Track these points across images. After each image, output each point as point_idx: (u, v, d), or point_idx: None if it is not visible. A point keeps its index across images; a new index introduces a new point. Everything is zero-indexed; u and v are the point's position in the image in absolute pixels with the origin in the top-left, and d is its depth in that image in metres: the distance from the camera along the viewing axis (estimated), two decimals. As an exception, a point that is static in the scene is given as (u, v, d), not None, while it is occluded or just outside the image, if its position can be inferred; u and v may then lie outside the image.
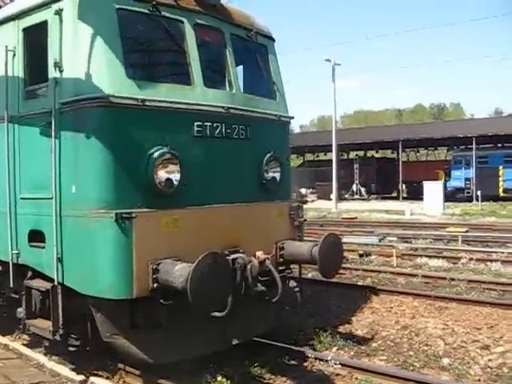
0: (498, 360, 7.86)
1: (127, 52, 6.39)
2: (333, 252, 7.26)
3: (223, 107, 7.05)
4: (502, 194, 49.34)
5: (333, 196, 44.58)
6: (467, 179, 50.96)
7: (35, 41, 6.89)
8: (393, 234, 22.43)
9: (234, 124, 7.18)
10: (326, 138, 50.33)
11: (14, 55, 7.08)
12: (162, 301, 5.97)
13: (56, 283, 6.43)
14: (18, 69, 7.09)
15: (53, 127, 6.38)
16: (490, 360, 7.88)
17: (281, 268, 7.56)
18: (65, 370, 6.62)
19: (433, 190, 36.82)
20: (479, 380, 7.28)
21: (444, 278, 13.26)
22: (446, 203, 38.87)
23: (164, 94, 6.49)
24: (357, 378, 7.18)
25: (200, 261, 5.48)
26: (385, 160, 64.62)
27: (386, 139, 54.37)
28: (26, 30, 7.01)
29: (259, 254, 6.82)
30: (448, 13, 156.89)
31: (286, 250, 7.52)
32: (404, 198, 51.56)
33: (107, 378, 7.06)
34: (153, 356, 6.42)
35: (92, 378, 6.37)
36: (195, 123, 6.70)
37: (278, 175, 7.89)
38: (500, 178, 49.84)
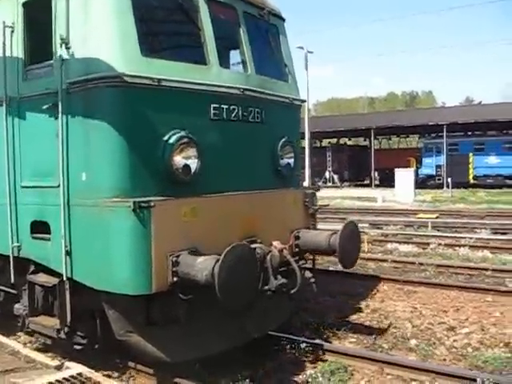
0: (463, 341, 8.15)
1: (141, 28, 5.86)
2: (352, 241, 7.08)
3: (239, 89, 6.66)
4: (471, 181, 50.22)
5: (305, 183, 44.88)
6: (438, 166, 51.72)
7: (37, 16, 6.36)
8: (364, 221, 22.72)
9: (250, 107, 6.82)
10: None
11: (13, 32, 6.54)
12: (181, 295, 5.62)
13: (65, 278, 5.95)
14: (17, 47, 6.54)
15: (59, 109, 5.87)
16: (455, 341, 8.17)
17: (296, 258, 7.13)
18: (39, 356, 6.55)
19: (404, 177, 37.30)
20: (444, 360, 7.53)
21: (413, 263, 13.63)
22: (418, 190, 39.42)
23: (180, 73, 6.03)
24: (327, 360, 7.37)
25: (228, 253, 5.19)
26: (357, 147, 65.20)
27: (358, 127, 54.73)
28: (26, 4, 6.46)
29: (276, 243, 6.54)
30: (420, 1, 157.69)
31: (302, 239, 7.23)
32: (376, 185, 52.04)
33: (117, 377, 6.80)
34: (170, 354, 6.01)
35: (67, 363, 6.20)
36: (212, 105, 6.32)
37: (292, 161, 7.62)
38: (470, 166, 50.68)
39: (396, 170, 39.26)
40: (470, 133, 56.31)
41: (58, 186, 5.93)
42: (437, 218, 24.10)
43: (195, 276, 5.30)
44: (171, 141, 5.79)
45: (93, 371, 6.01)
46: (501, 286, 11.39)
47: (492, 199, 36.34)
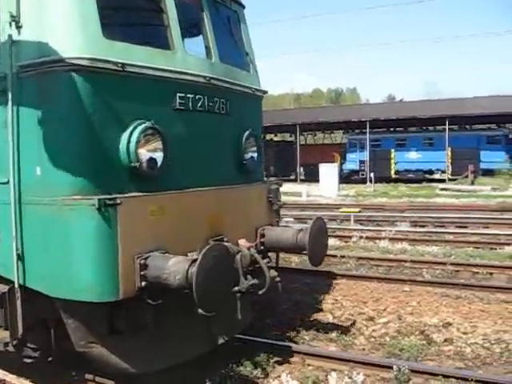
0: (381, 330, 8.43)
1: (103, 7, 5.30)
2: (321, 238, 6.88)
3: (205, 77, 6.20)
4: (393, 176, 51.81)
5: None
6: (361, 162, 52.99)
7: None
8: (289, 215, 23.00)
9: (215, 97, 6.38)
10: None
11: None
12: (149, 301, 5.17)
13: (16, 285, 5.28)
14: None
15: (9, 95, 5.20)
16: (374, 330, 8.45)
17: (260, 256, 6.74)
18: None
19: (328, 172, 38.08)
20: (363, 349, 7.74)
21: (335, 256, 13.85)
22: (342, 185, 40.32)
23: (145, 59, 5.52)
24: (250, 352, 7.38)
25: (205, 253, 4.90)
26: (283, 143, 65.77)
27: (284, 123, 55.23)
28: None
29: (242, 242, 6.30)
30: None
31: (267, 236, 6.92)
32: (302, 180, 52.69)
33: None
34: (136, 365, 5.56)
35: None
36: (177, 94, 5.85)
37: (255, 155, 7.22)
38: (392, 161, 52.32)
39: (320, 165, 39.95)
40: (392, 129, 58.01)
41: (7, 182, 5.28)
42: (359, 211, 24.69)
43: (167, 279, 4.92)
44: (136, 132, 5.30)
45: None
46: (418, 276, 11.82)
47: (412, 193, 37.59)
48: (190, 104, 6.02)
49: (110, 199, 4.86)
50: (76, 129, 5.04)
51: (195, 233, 5.78)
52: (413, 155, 52.82)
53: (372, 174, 44.33)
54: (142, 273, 5.01)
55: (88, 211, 4.80)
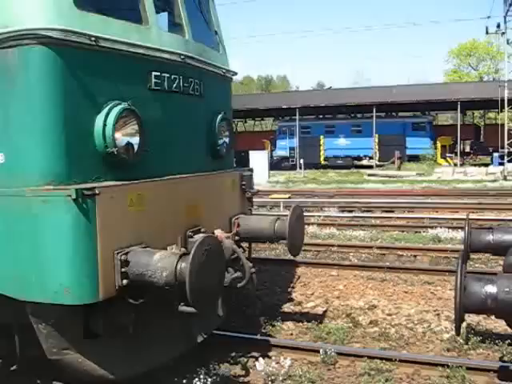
0: (309, 314, 8.46)
1: None
2: (299, 227, 6.65)
3: (180, 55, 5.74)
4: (323, 162, 52.64)
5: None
6: (291, 148, 53.52)
7: None
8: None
9: (190, 77, 5.92)
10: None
11: None
12: (131, 300, 4.69)
13: None
14: None
15: None
16: (301, 315, 8.46)
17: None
18: None
19: (259, 159, 38.26)
20: (291, 334, 7.77)
21: (264, 242, 13.86)
22: (272, 171, 40.60)
23: (119, 33, 4.99)
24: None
25: (198, 247, 4.46)
26: (214, 130, 65.51)
27: (215, 109, 54.94)
28: None
29: (218, 232, 5.88)
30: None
31: (243, 226, 6.53)
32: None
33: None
34: (114, 370, 5.01)
35: None
36: (153, 73, 5.38)
37: (228, 140, 6.81)
38: (321, 147, 53.05)
39: (251, 152, 40.05)
40: (321, 116, 58.78)
41: None
42: (289, 198, 24.90)
43: (152, 277, 4.45)
44: (112, 114, 4.78)
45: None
46: (345, 260, 12.00)
47: (341, 179, 38.36)
48: (166, 84, 5.57)
49: (88, 189, 4.28)
50: (46, 110, 4.43)
51: (174, 224, 5.35)
52: (341, 142, 53.78)
53: (302, 161, 44.86)
54: (122, 270, 4.50)
55: (62, 203, 4.22)
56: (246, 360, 6.70)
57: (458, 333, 4.15)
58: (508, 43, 37.89)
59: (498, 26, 37.69)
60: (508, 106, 38.21)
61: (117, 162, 4.87)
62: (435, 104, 50.36)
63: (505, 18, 36.86)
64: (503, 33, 37.87)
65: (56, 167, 4.46)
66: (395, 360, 6.44)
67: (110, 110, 4.79)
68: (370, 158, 51.76)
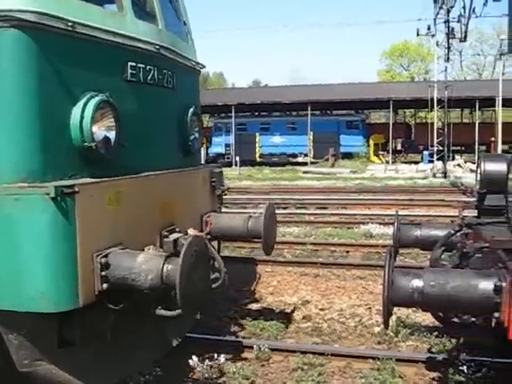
0: (244, 311, 8.49)
1: None
2: (273, 225, 6.50)
3: (154, 45, 5.43)
4: (258, 159, 52.86)
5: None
6: (227, 145, 53.47)
7: None
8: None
9: (164, 69, 5.65)
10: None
11: None
12: (110, 305, 4.36)
13: None
14: None
15: None
16: (236, 312, 8.47)
17: None
18: None
19: (195, 155, 37.98)
20: (225, 331, 7.75)
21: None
22: (208, 168, 40.36)
23: (97, 19, 4.65)
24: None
25: (188, 248, 4.23)
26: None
27: (150, 105, 54.32)
28: None
29: (191, 231, 5.60)
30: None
31: (215, 224, 6.31)
32: (168, 164, 52.23)
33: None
34: (91, 380, 4.65)
35: None
36: (129, 63, 5.07)
37: (197, 135, 6.60)
38: (257, 145, 53.28)
39: (187, 148, 39.77)
40: (256, 113, 59.02)
41: None
42: (225, 194, 24.81)
43: (135, 280, 4.17)
44: (90, 106, 4.45)
45: None
46: (279, 256, 12.07)
47: (276, 176, 38.61)
48: (141, 75, 5.29)
49: (68, 187, 3.93)
50: (20, 99, 4.06)
51: (150, 223, 5.08)
52: (277, 139, 54.13)
53: (237, 158, 44.91)
54: (102, 273, 4.19)
55: (39, 202, 3.84)
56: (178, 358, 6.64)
57: (386, 326, 4.24)
58: (438, 45, 39.00)
59: (429, 28, 38.76)
60: (437, 105, 39.39)
61: (93, 157, 4.56)
62: (368, 103, 51.48)
63: (434, 20, 37.94)
64: (433, 35, 38.98)
65: (30, 163, 4.10)
66: (328, 354, 6.52)
67: (88, 101, 4.47)
68: (305, 155, 52.34)
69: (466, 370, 5.88)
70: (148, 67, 5.37)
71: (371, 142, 51.78)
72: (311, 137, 50.91)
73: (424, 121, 61.64)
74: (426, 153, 44.43)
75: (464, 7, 31.89)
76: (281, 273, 10.51)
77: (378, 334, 7.37)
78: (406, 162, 48.59)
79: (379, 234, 14.77)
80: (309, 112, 49.57)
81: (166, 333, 5.80)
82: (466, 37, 33.57)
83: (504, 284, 3.73)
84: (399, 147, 56.22)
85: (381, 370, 6.12)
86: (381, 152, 51.23)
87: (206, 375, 6.06)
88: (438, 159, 39.00)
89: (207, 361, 6.28)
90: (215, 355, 6.42)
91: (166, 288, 4.19)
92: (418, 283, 3.94)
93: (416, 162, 46.32)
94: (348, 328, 7.72)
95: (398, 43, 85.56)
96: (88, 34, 4.54)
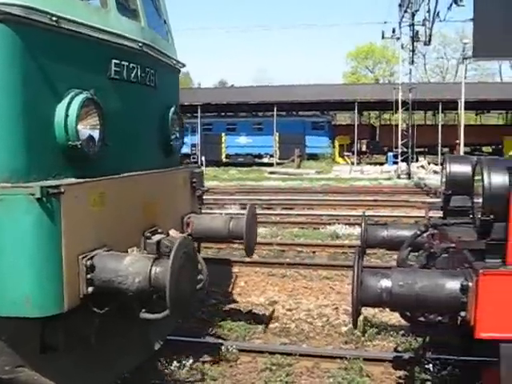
0: (212, 312, 8.44)
1: None
2: (254, 226, 6.47)
3: (138, 43, 5.33)
4: (224, 160, 52.80)
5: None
6: (193, 145, 53.20)
7: None
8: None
9: (146, 67, 5.54)
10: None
11: None
12: (95, 309, 4.24)
13: None
14: None
15: None
16: (203, 312, 8.43)
17: None
18: None
19: (160, 155, 37.75)
20: (193, 332, 7.71)
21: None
22: (174, 169, 40.15)
23: (81, 14, 4.51)
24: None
25: (177, 250, 4.13)
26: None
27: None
28: None
29: (173, 233, 5.52)
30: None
31: (196, 226, 6.23)
32: (134, 164, 51.81)
33: None
34: None
35: None
36: (113, 61, 4.96)
37: (178, 135, 6.51)
38: (223, 145, 53.22)
39: (152, 148, 39.50)
40: (223, 113, 58.94)
41: None
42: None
43: (122, 283, 4.07)
44: (75, 104, 4.32)
45: None
46: (246, 257, 12.03)
47: (242, 177, 38.62)
48: (125, 73, 5.18)
49: (53, 187, 3.79)
50: (4, 95, 3.91)
51: (134, 224, 4.97)
52: (243, 140, 54.18)
53: (203, 158, 44.76)
54: (88, 276, 4.06)
55: (23, 203, 3.69)
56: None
57: (355, 326, 4.27)
58: (402, 48, 39.56)
59: (394, 31, 39.29)
60: (402, 107, 39.93)
61: (77, 156, 4.43)
62: (334, 104, 51.88)
63: (399, 23, 38.49)
64: (398, 38, 39.51)
65: (14, 162, 3.93)
66: (296, 354, 6.55)
67: (72, 99, 4.34)
68: (271, 156, 52.47)
69: (431, 369, 5.97)
70: (131, 65, 5.27)
71: (336, 143, 52.17)
72: (277, 137, 51.08)
73: (388, 122, 62.35)
74: (390, 154, 45.02)
75: (429, 11, 32.32)
76: (248, 273, 10.51)
77: (345, 334, 7.43)
78: (370, 163, 49.11)
79: (345, 234, 14.90)
80: (275, 113, 49.69)
81: (149, 336, 5.70)
82: (430, 40, 34.00)
83: (470, 284, 3.79)
84: (364, 148, 56.74)
85: (348, 369, 6.17)
86: (346, 153, 51.67)
87: (174, 377, 6.02)
88: (402, 160, 39.56)
89: (175, 362, 6.24)
90: (183, 357, 6.38)
91: (152, 291, 4.13)
92: (386, 283, 3.98)
93: (381, 163, 46.91)
94: (315, 328, 7.76)
95: (363, 45, 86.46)
96: (72, 29, 4.42)
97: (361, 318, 7.65)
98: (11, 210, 3.71)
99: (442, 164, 5.92)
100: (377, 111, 66.41)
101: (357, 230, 14.94)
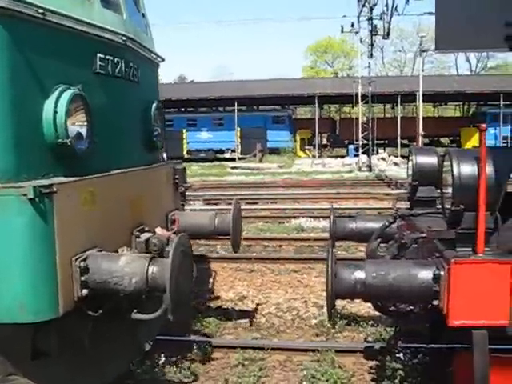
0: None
1: None
2: (240, 222, 6.40)
3: (121, 36, 5.17)
4: (186, 156, 52.45)
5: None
6: (154, 142, 52.90)
7: None
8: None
9: (130, 61, 5.38)
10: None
11: None
12: (89, 312, 4.08)
13: None
14: None
15: None
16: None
17: None
18: None
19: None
20: (165, 329, 7.67)
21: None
22: (135, 165, 39.78)
23: (66, 7, 4.36)
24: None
25: (176, 249, 4.03)
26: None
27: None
28: None
29: (159, 230, 5.40)
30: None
31: (182, 223, 6.13)
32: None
33: None
34: None
35: None
36: (98, 55, 4.80)
37: (160, 131, 6.36)
38: (184, 141, 52.89)
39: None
40: (183, 109, 58.60)
41: None
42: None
43: (118, 284, 3.95)
44: (63, 100, 4.15)
45: None
46: (213, 253, 12.04)
47: (204, 172, 38.43)
48: (110, 68, 5.01)
49: (46, 186, 3.63)
50: None
51: (123, 223, 4.84)
52: (204, 135, 53.97)
53: (165, 154, 44.36)
54: (82, 278, 3.92)
55: (15, 204, 3.53)
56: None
57: (330, 318, 4.31)
58: (361, 42, 39.94)
59: (352, 25, 39.59)
60: (362, 100, 40.34)
61: (66, 154, 4.26)
62: (294, 98, 52.11)
63: (358, 18, 38.84)
64: (357, 32, 39.85)
65: (3, 161, 3.75)
66: (267, 349, 6.57)
67: (61, 94, 4.18)
68: (232, 151, 52.42)
69: (402, 357, 6.07)
70: (116, 59, 5.12)
71: (298, 137, 52.45)
72: (238, 132, 51.06)
73: (348, 116, 62.98)
74: (351, 147, 45.43)
75: (387, 5, 32.75)
76: (216, 269, 10.48)
77: (315, 326, 7.49)
78: (332, 157, 49.52)
79: (310, 227, 15.00)
80: (235, 108, 49.64)
81: (139, 337, 5.58)
82: (389, 34, 34.51)
83: (442, 273, 3.85)
84: (325, 142, 57.16)
85: (321, 361, 6.22)
86: (307, 147, 51.97)
87: (147, 376, 5.97)
88: (363, 153, 39.96)
89: (147, 361, 6.20)
90: (155, 355, 6.34)
91: (149, 291, 4.04)
92: (360, 275, 4.01)
93: (342, 156, 47.33)
94: (286, 322, 7.80)
95: (322, 40, 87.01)
96: (58, 22, 4.27)
97: (330, 310, 7.74)
98: (2, 212, 3.55)
99: (408, 156, 5.99)
100: (337, 105, 66.93)
101: (321, 223, 15.11)
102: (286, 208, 18.82)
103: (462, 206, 3.92)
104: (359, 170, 37.49)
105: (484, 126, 3.87)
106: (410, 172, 5.78)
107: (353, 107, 49.37)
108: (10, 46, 3.80)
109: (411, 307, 4.55)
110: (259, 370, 6.10)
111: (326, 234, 13.66)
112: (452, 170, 3.98)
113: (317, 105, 49.82)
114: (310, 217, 16.25)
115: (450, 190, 4.10)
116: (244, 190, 25.17)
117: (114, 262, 4.03)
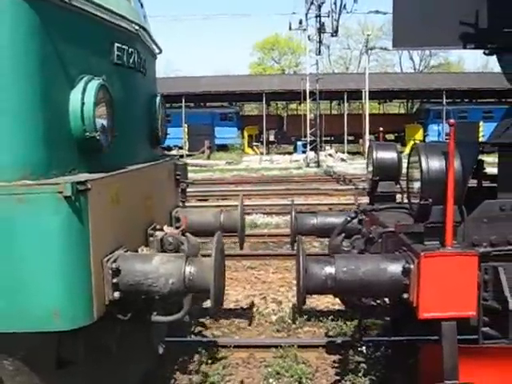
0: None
1: None
2: (244, 219, 6.22)
3: (135, 25, 4.87)
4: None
5: None
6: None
7: None
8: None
9: (140, 51, 5.08)
10: None
11: None
12: (119, 315, 3.85)
13: None
14: None
15: None
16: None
17: None
18: None
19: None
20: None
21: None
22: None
23: None
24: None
25: (217, 248, 3.79)
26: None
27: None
28: None
29: (167, 228, 5.12)
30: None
31: (189, 220, 5.88)
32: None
33: None
34: None
35: None
36: (115, 44, 4.49)
37: (163, 125, 6.14)
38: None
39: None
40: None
41: None
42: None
43: (153, 285, 3.70)
44: (90, 90, 3.83)
45: None
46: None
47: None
48: (125, 58, 4.73)
49: (81, 183, 3.35)
50: (21, 79, 3.41)
51: (140, 222, 4.62)
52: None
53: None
54: (114, 280, 3.66)
55: (51, 202, 3.24)
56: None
57: (300, 314, 4.29)
58: (309, 39, 40.25)
59: (300, 22, 39.90)
60: (309, 97, 40.68)
61: (90, 148, 3.96)
62: (242, 95, 52.08)
63: (306, 15, 39.13)
64: (305, 29, 40.15)
65: (34, 156, 3.44)
66: (230, 346, 6.53)
67: (86, 84, 3.85)
68: (180, 147, 51.97)
69: (365, 351, 6.13)
70: (130, 50, 4.85)
71: (245, 134, 52.52)
72: (186, 129, 50.71)
73: (296, 112, 63.46)
74: (299, 143, 45.81)
75: (335, 3, 33.11)
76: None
77: (275, 323, 7.47)
78: (279, 153, 49.83)
79: (263, 223, 15.02)
80: (183, 104, 49.29)
81: (153, 340, 5.34)
82: (337, 32, 34.90)
83: (412, 266, 3.88)
84: (272, 138, 57.41)
85: (284, 357, 6.22)
86: (255, 143, 52.12)
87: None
88: (310, 149, 40.34)
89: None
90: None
91: (186, 292, 3.85)
92: (330, 270, 4.00)
93: (289, 153, 47.66)
94: (246, 319, 7.76)
95: (269, 36, 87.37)
96: (83, 8, 3.95)
97: (289, 305, 7.76)
98: (36, 211, 3.24)
99: (367, 151, 6.04)
100: (284, 102, 67.31)
101: (274, 219, 15.18)
102: (236, 204, 18.75)
103: (430, 200, 3.97)
104: (307, 166, 37.85)
105: (453, 121, 3.92)
106: (370, 167, 5.83)
107: (300, 104, 49.71)
108: (39, 30, 3.49)
109: (377, 301, 4.59)
110: (223, 369, 6.05)
111: (280, 230, 13.81)
112: (420, 165, 4.02)
113: (264, 102, 49.95)
114: (262, 213, 16.28)
115: (417, 185, 4.15)
116: (193, 186, 24.90)
117: (148, 263, 3.79)
